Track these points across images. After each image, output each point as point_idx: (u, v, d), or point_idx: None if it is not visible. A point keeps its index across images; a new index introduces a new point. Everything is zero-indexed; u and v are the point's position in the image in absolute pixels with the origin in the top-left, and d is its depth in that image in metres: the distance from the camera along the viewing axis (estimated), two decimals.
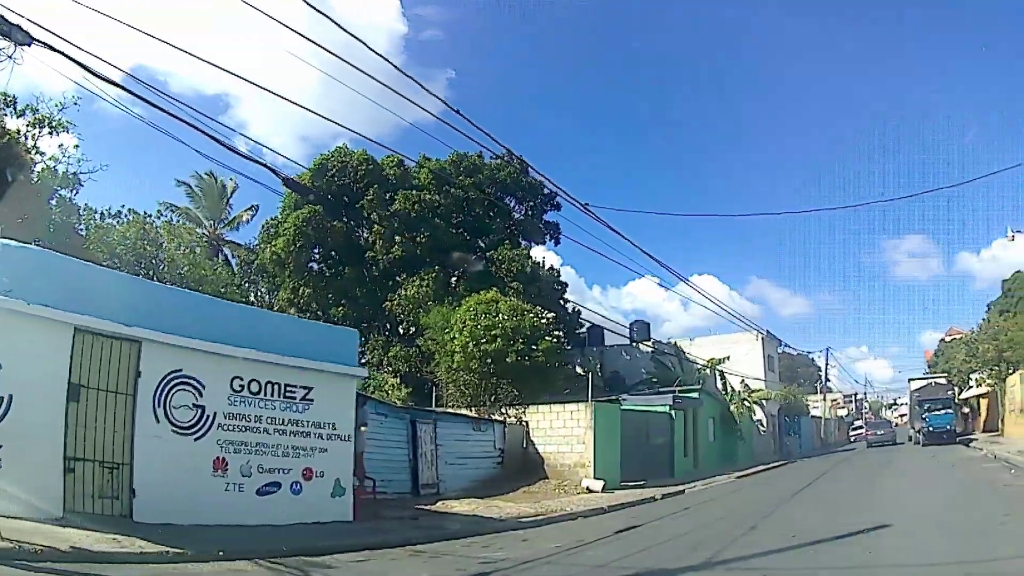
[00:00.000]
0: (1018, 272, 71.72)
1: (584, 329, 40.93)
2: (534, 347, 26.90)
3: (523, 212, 37.61)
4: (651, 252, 28.24)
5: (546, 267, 37.17)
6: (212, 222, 41.44)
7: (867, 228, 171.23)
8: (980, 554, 9.49)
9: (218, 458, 12.21)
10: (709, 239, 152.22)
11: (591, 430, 23.84)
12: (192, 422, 11.96)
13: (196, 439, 12.00)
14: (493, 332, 26.22)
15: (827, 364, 72.01)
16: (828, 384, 77.97)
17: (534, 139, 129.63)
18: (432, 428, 21.25)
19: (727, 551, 10.73)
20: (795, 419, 57.79)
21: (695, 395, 35.76)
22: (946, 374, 62.40)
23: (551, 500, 19.57)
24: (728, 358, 44.54)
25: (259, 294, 38.01)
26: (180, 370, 11.86)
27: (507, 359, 25.99)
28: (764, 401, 46.80)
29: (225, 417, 12.36)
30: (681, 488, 24.19)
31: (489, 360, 25.97)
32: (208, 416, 12.14)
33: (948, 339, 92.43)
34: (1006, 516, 11.67)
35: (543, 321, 28.70)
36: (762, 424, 48.21)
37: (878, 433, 58.70)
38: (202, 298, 15.78)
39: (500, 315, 26.92)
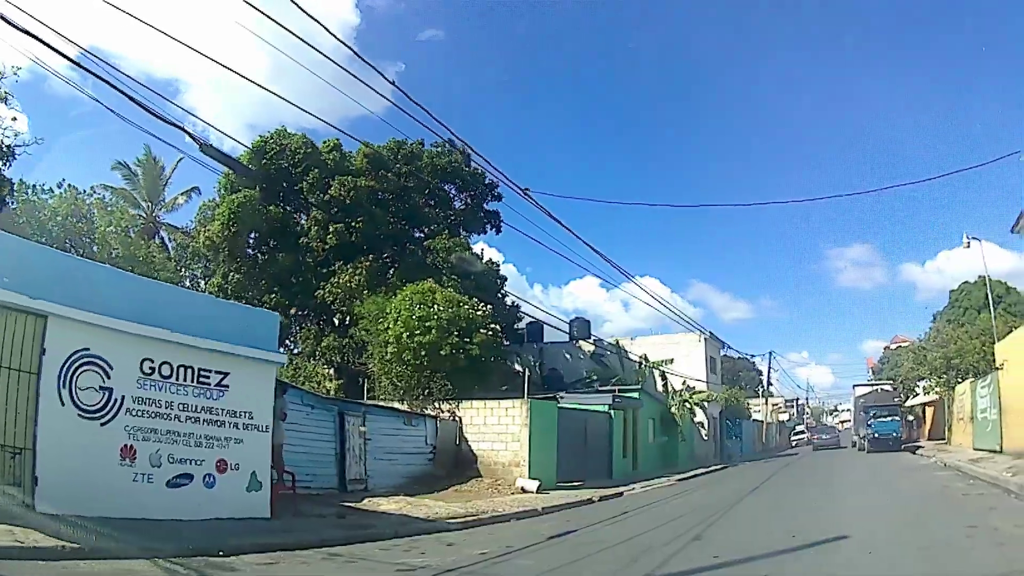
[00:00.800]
0: (965, 283, 73.65)
1: (523, 325, 41.09)
2: (469, 340, 26.68)
3: (463, 201, 37.48)
4: (594, 247, 28.06)
5: (485, 259, 37.27)
6: (149, 204, 40.83)
7: (812, 236, 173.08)
8: (951, 571, 9.21)
9: (126, 446, 11.47)
10: (653, 240, 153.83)
11: (527, 428, 23.55)
12: (99, 406, 11.21)
13: (103, 424, 11.26)
14: (428, 323, 25.91)
15: (770, 368, 73.03)
16: (770, 388, 78.82)
17: (483, 135, 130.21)
18: (361, 421, 20.75)
19: (670, 564, 10.10)
20: (736, 422, 58.51)
21: (635, 395, 35.65)
22: (892, 381, 63.53)
23: (483, 500, 19.26)
24: (672, 360, 44.69)
25: (194, 279, 37.24)
26: (87, 348, 11.12)
27: (441, 352, 25.70)
28: (705, 403, 46.64)
29: (134, 402, 11.61)
30: (620, 490, 23.95)
31: (423, 352, 25.67)
32: (116, 400, 11.40)
33: (894, 347, 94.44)
34: (971, 528, 11.36)
35: (479, 313, 28.24)
36: (703, 426, 48.16)
37: (823, 437, 69.68)
38: (113, 272, 15.00)
39: (436, 306, 26.63)
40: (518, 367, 36.18)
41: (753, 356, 78.71)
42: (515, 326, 39.08)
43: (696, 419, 46.37)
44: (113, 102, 35.23)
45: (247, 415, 13.42)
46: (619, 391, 33.56)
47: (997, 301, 63.48)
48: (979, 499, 15.62)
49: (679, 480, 29.75)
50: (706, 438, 48.84)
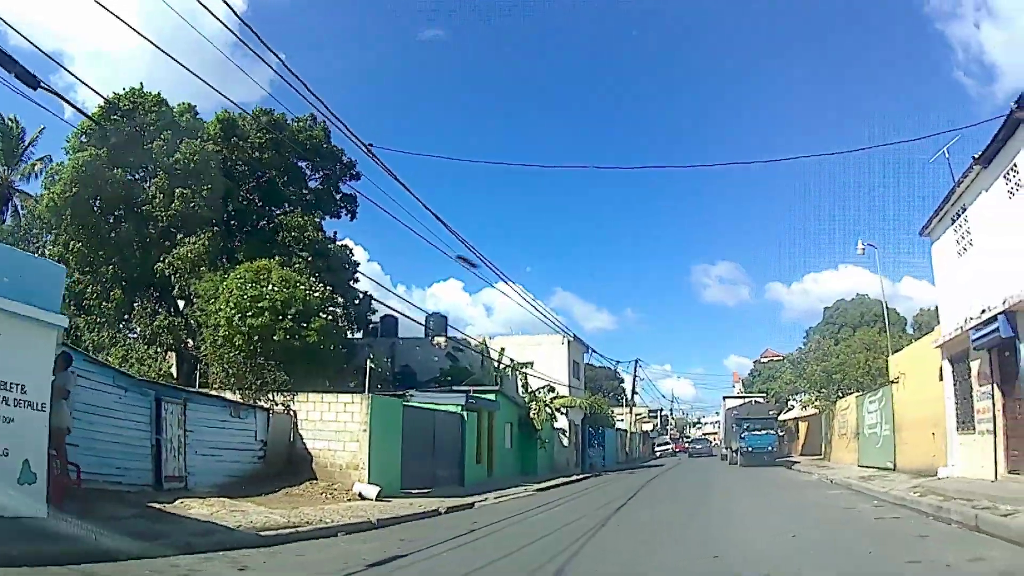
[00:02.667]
0: (841, 300, 76.74)
1: (377, 318, 40.95)
2: (306, 325, 25.27)
3: (319, 180, 35.89)
4: (441, 217, 26.19)
5: (339, 243, 35.64)
6: (5, 168, 40.06)
7: (678, 251, 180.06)
8: None
9: None
10: (519, 244, 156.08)
11: (367, 426, 21.87)
12: None
13: None
14: (260, 304, 24.47)
15: (635, 376, 72.42)
16: (634, 397, 78.44)
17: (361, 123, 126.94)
18: (181, 409, 18.76)
19: None
20: (599, 430, 57.46)
21: (492, 397, 34.52)
22: (764, 394, 64.15)
23: (313, 507, 17.33)
24: (532, 364, 43.47)
25: (42, 247, 34.65)
26: None
27: (274, 336, 24.34)
28: (567, 408, 45.48)
29: None
30: (471, 501, 22.11)
31: (255, 337, 24.26)
32: None
33: (765, 360, 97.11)
34: (917, 566, 9.43)
35: (317, 296, 26.70)
36: (564, 433, 46.94)
37: (697, 448, 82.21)
38: None
39: (270, 285, 25.15)
40: (371, 362, 34.34)
41: (618, 362, 78.37)
42: (367, 317, 38.21)
43: (557, 425, 45.15)
44: None
45: (18, 388, 10.50)
46: (474, 391, 32.40)
47: (875, 320, 65.39)
48: (899, 524, 13.80)
49: (538, 490, 28.05)
50: (567, 445, 47.64)
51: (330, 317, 27.18)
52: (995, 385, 18.80)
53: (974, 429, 20.04)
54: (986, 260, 19.06)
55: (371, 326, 41.37)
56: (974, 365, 20.15)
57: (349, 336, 35.73)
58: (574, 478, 36.90)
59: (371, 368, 24.60)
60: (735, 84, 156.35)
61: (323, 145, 33.99)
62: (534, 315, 49.57)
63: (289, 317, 24.64)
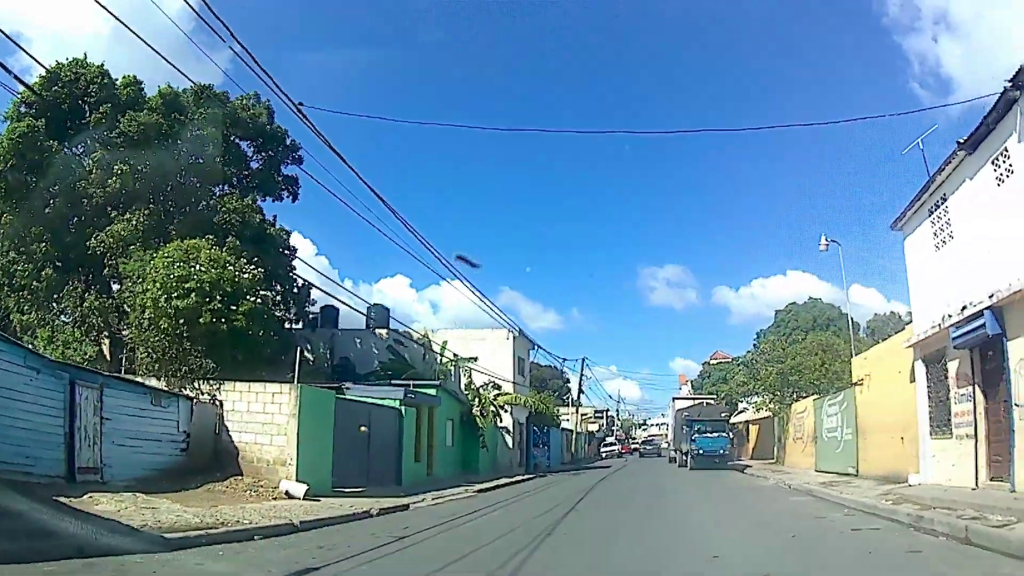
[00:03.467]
0: (792, 303, 76.84)
1: (317, 308, 40.18)
2: (234, 308, 23.74)
3: (260, 161, 34.39)
4: (383, 197, 25.15)
5: (278, 227, 34.04)
6: None
7: (625, 252, 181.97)
8: None
9: None
10: (462, 239, 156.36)
11: (295, 419, 20.70)
12: None
13: None
14: (187, 285, 22.88)
15: (582, 374, 71.57)
16: (581, 397, 77.85)
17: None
18: (98, 395, 17.34)
19: None
20: (544, 430, 56.63)
21: (432, 392, 33.31)
22: (714, 396, 63.40)
23: (233, 506, 16.19)
24: (476, 359, 42.69)
25: None
26: None
27: (200, 320, 22.76)
28: (511, 406, 44.93)
29: None
30: (407, 502, 20.89)
31: (181, 320, 22.72)
32: None
33: (715, 362, 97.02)
34: None
35: (247, 277, 25.19)
36: (508, 432, 46.03)
37: (647, 448, 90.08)
38: None
39: (199, 265, 23.68)
40: (310, 354, 35.60)
41: (565, 360, 77.23)
42: (306, 307, 36.64)
43: (501, 423, 44.34)
44: None
45: None
46: (414, 386, 31.21)
47: (828, 323, 65.23)
48: (882, 537, 12.51)
49: (479, 491, 26.80)
50: (511, 445, 46.69)
51: (259, 301, 25.73)
52: (976, 386, 17.67)
53: (951, 434, 18.92)
54: (968, 253, 17.89)
55: (311, 317, 40.02)
56: (952, 365, 19.01)
57: (288, 327, 34.72)
58: (518, 479, 35.89)
59: (302, 357, 23.18)
60: (687, 91, 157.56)
61: (267, 125, 32.73)
62: (482, 309, 48.70)
63: (217, 299, 23.19)
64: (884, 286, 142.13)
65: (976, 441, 17.41)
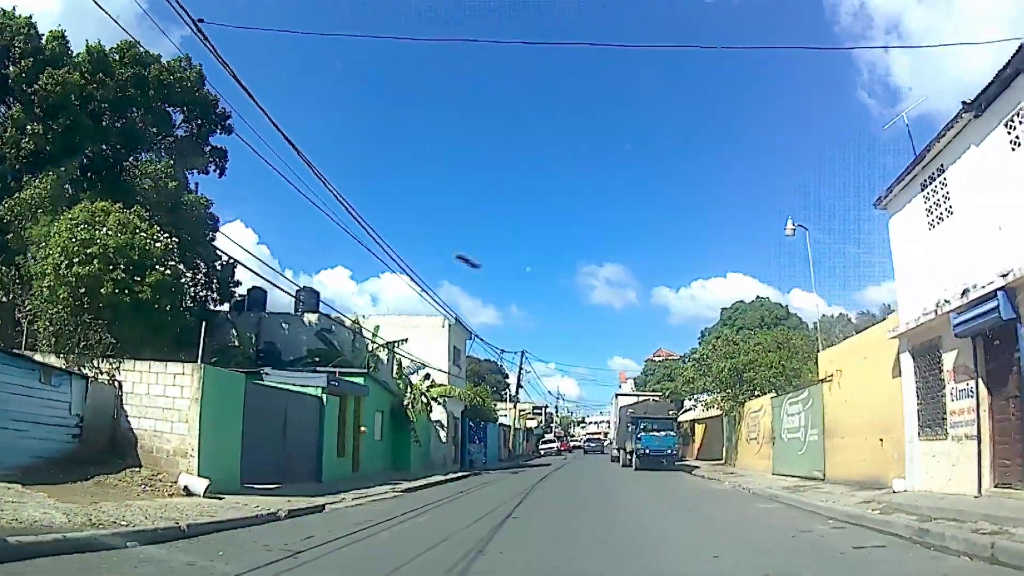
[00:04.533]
0: (740, 302, 76.52)
1: (244, 290, 39.08)
2: (140, 278, 21.70)
3: (188, 130, 32.21)
4: (317, 170, 23.37)
5: (198, 194, 32.18)
6: None
7: (566, 251, 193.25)
8: None
9: None
10: (405, 237, 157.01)
11: (197, 404, 18.60)
12: None
13: None
14: (90, 250, 20.87)
15: (521, 368, 69.72)
16: (519, 392, 76.43)
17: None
18: None
19: None
20: (481, 425, 55.30)
21: (360, 380, 31.67)
22: (659, 394, 61.74)
23: (119, 502, 14.35)
24: (406, 339, 40.59)
25: None
26: None
27: (102, 289, 20.79)
28: (446, 398, 42.92)
29: None
30: (323, 502, 18.73)
31: (81, 289, 20.71)
32: None
33: (658, 359, 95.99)
34: None
35: (158, 246, 22.99)
36: (442, 426, 43.97)
37: (591, 445, 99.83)
38: None
39: (104, 229, 21.57)
40: (236, 338, 35.03)
41: (503, 351, 75.44)
42: (230, 287, 34.89)
43: (434, 417, 42.39)
44: None
45: None
46: (341, 374, 29.74)
47: (776, 322, 64.10)
48: (894, 558, 10.38)
49: (407, 490, 24.54)
50: (445, 440, 44.61)
51: (168, 272, 23.20)
52: (980, 381, 15.62)
53: (946, 435, 16.86)
54: (972, 229, 15.82)
55: (238, 299, 38.50)
56: (949, 357, 16.95)
57: (212, 307, 33.27)
58: (451, 476, 34.03)
59: (208, 337, 20.81)
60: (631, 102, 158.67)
61: (196, 90, 30.46)
62: (423, 298, 46.43)
63: (121, 267, 21.10)
64: (828, 292, 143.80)
65: (979, 442, 15.36)
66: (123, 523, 12.08)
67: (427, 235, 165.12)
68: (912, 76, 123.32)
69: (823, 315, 50.58)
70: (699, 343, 70.98)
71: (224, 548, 11.10)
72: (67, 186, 26.96)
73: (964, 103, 15.42)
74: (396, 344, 39.41)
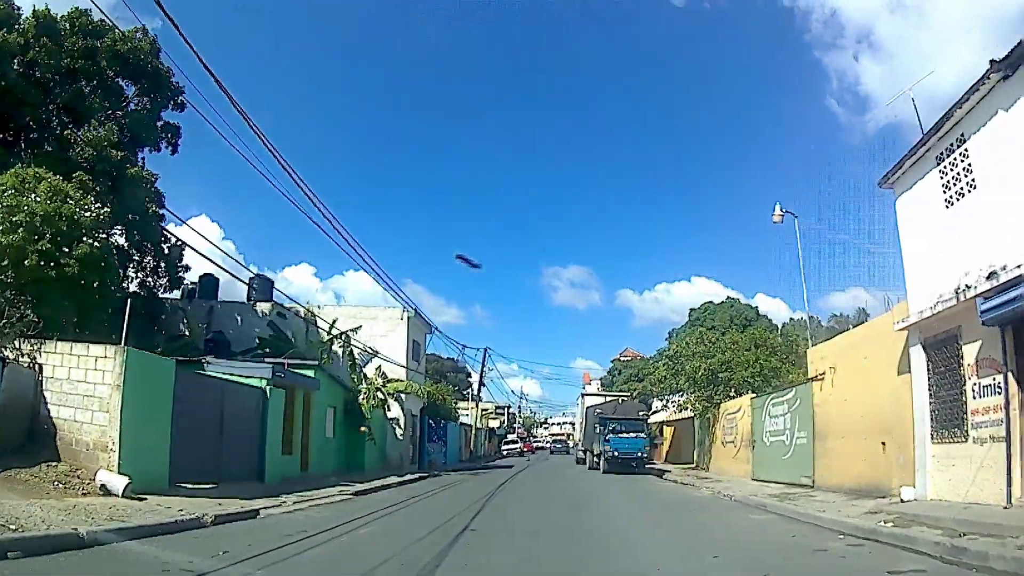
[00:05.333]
0: (709, 303, 79.48)
1: (193, 276, 36.98)
2: (68, 250, 20.27)
3: (140, 104, 30.35)
4: (274, 149, 21.97)
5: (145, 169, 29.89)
6: None
7: (530, 251, 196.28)
8: None
9: None
10: (369, 231, 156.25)
11: (119, 391, 16.70)
12: None
13: None
14: (15, 218, 19.40)
15: (484, 365, 68.02)
16: (481, 391, 75.50)
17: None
18: None
19: None
20: (441, 424, 53.76)
21: (310, 373, 29.96)
22: (627, 394, 60.23)
23: (25, 500, 13.06)
24: (360, 327, 39.18)
25: None
26: None
27: (26, 261, 19.32)
28: (403, 395, 41.08)
29: None
30: (259, 506, 16.73)
31: (4, 261, 19.35)
32: None
33: (626, 358, 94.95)
34: None
35: (90, 215, 21.45)
36: (399, 424, 41.97)
37: (557, 446, 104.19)
38: None
39: (34, 196, 20.18)
40: (186, 329, 34.06)
41: (464, 347, 74.18)
42: (176, 271, 32.68)
43: (391, 414, 40.43)
44: None
45: None
46: (289, 365, 28.23)
47: (747, 323, 62.99)
48: None
49: (357, 493, 22.63)
50: (401, 439, 42.46)
51: (98, 245, 21.66)
52: (1010, 374, 13.72)
53: (966, 436, 15.00)
54: (1000, 205, 13.97)
55: (189, 286, 37.87)
56: (970, 349, 15.09)
57: (161, 295, 32.18)
58: (408, 478, 32.06)
59: (127, 308, 18.56)
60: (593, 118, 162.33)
61: (148, 63, 28.73)
62: (386, 291, 44.33)
63: (47, 238, 19.60)
64: (793, 296, 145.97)
65: (1008, 444, 13.47)
66: (11, 528, 10.46)
67: (391, 234, 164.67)
68: (881, 84, 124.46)
69: (790, 318, 49.49)
70: (668, 344, 70.10)
71: (114, 564, 9.18)
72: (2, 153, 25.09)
73: (992, 62, 13.65)
74: (348, 334, 37.68)
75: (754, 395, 31.50)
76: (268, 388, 24.17)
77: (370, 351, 37.88)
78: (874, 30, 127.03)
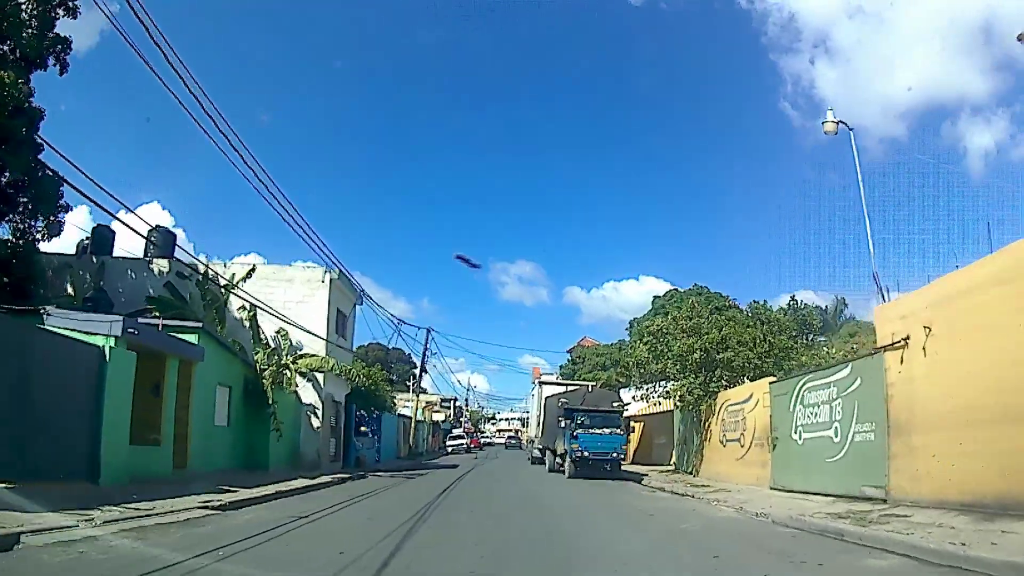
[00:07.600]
0: (675, 289, 79.08)
1: (77, 221, 31.28)
2: None
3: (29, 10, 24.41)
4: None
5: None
6: None
7: (481, 245, 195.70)
8: None
9: None
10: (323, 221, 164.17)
11: None
12: None
13: None
14: None
15: (426, 347, 61.86)
16: (424, 381, 72.14)
17: None
18: None
19: None
20: (374, 414, 48.79)
21: (192, 337, 23.84)
22: (592, 383, 54.49)
23: None
24: (253, 269, 33.82)
25: None
26: None
27: None
28: (319, 374, 33.49)
29: None
30: (27, 529, 10.51)
31: None
32: None
33: (587, 346, 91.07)
34: None
35: None
36: (316, 412, 34.44)
37: (512, 441, 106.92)
38: None
39: None
40: (71, 287, 30.27)
41: (401, 322, 72.36)
42: (58, 219, 26.34)
43: (306, 400, 33.42)
44: None
45: None
46: (164, 325, 23.38)
47: (720, 311, 57.38)
48: None
49: (227, 506, 16.14)
50: (318, 428, 34.63)
51: None
52: None
53: None
54: None
55: (83, 243, 34.46)
56: None
57: (44, 250, 26.64)
58: (319, 481, 25.52)
59: None
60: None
61: None
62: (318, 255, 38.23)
63: None
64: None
65: None
66: None
67: (346, 228, 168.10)
68: (837, 89, 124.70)
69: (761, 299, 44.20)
70: (628, 334, 67.90)
71: None
72: None
73: None
74: (243, 279, 31.11)
75: (773, 380, 24.81)
76: (108, 349, 17.24)
77: (278, 315, 30.73)
78: (831, 34, 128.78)
